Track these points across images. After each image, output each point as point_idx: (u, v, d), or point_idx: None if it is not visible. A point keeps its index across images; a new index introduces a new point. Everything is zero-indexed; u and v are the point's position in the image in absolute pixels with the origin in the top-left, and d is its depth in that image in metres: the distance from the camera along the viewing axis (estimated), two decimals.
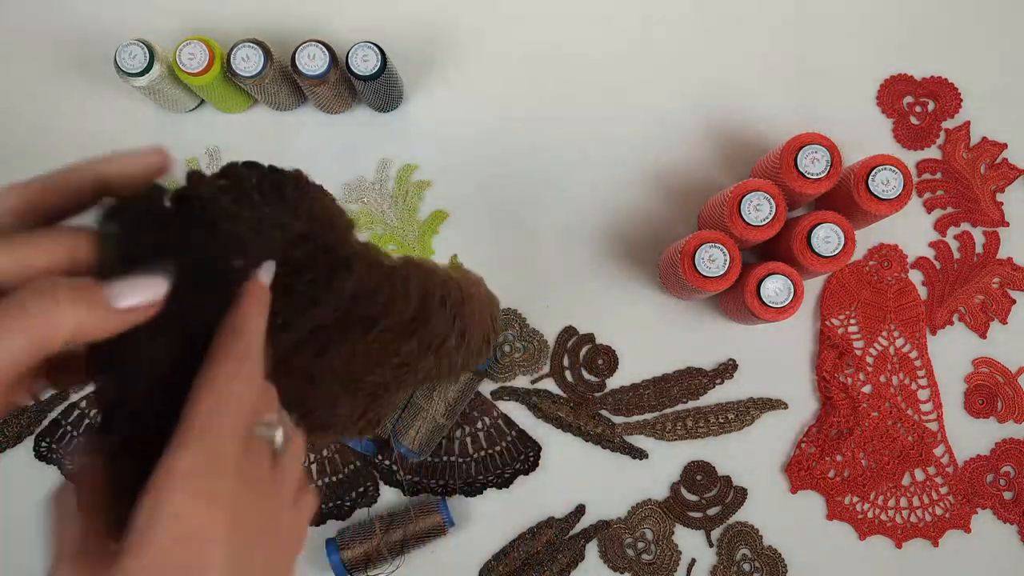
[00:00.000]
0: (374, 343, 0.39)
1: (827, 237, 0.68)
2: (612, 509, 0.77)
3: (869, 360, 0.78)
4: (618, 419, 0.78)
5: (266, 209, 0.32)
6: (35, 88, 0.82)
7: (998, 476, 0.77)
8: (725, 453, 0.77)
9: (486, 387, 0.78)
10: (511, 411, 0.78)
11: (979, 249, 0.80)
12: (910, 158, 0.80)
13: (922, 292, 0.79)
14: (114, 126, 0.81)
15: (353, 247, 0.37)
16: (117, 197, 0.31)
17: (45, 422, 0.78)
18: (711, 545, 0.77)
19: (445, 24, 0.82)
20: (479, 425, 0.78)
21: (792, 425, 0.78)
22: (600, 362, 0.78)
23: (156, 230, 0.30)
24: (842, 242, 0.68)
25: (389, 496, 0.78)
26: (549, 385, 0.78)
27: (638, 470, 0.77)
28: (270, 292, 0.32)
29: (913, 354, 0.78)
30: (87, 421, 0.78)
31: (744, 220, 0.68)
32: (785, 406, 0.78)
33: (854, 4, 0.82)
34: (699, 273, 0.68)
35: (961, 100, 0.81)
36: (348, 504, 0.77)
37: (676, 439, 0.78)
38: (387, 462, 0.77)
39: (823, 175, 0.68)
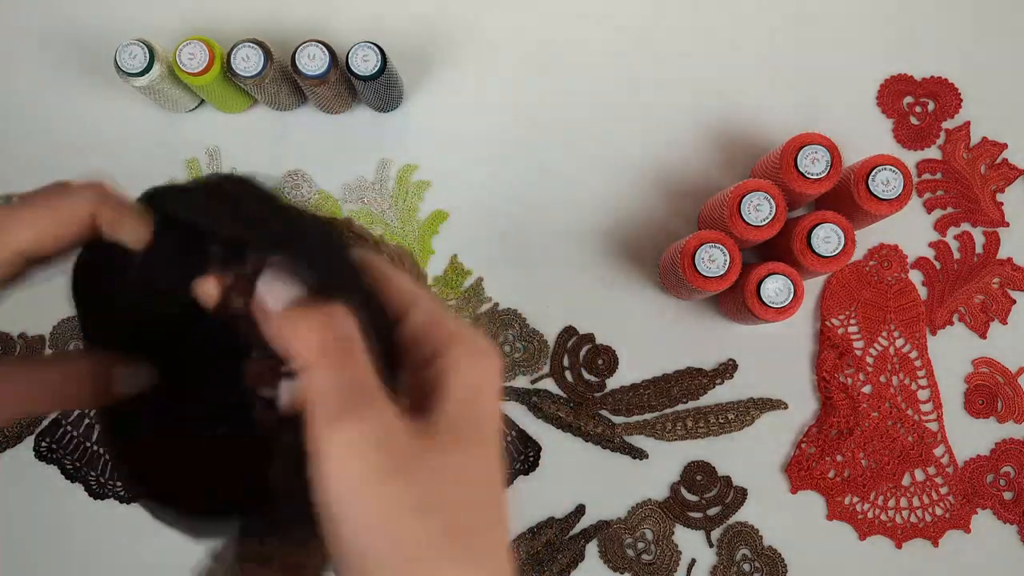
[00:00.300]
0: None
1: (827, 237, 0.68)
2: (612, 509, 0.77)
3: (869, 360, 0.78)
4: (618, 419, 0.78)
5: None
6: (35, 88, 0.82)
7: (998, 476, 0.77)
8: (725, 453, 0.77)
9: None
10: (511, 411, 0.78)
11: (979, 249, 0.80)
12: (910, 158, 0.80)
13: (922, 292, 0.79)
14: (114, 126, 0.81)
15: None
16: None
17: (45, 422, 0.78)
18: (711, 545, 0.77)
19: (445, 24, 0.82)
20: None
21: (792, 425, 0.78)
22: (600, 362, 0.78)
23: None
24: (842, 242, 0.68)
25: None
26: (549, 385, 0.78)
27: (638, 470, 0.77)
28: None
29: (913, 354, 0.78)
30: (87, 421, 0.78)
31: (744, 220, 0.68)
32: (785, 406, 0.78)
33: (854, 4, 0.82)
34: (699, 273, 0.68)
35: (961, 100, 0.81)
36: None
37: (676, 439, 0.78)
38: None
39: (823, 175, 0.68)
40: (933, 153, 0.81)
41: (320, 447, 0.26)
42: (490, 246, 0.80)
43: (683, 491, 0.77)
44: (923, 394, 0.78)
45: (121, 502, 0.77)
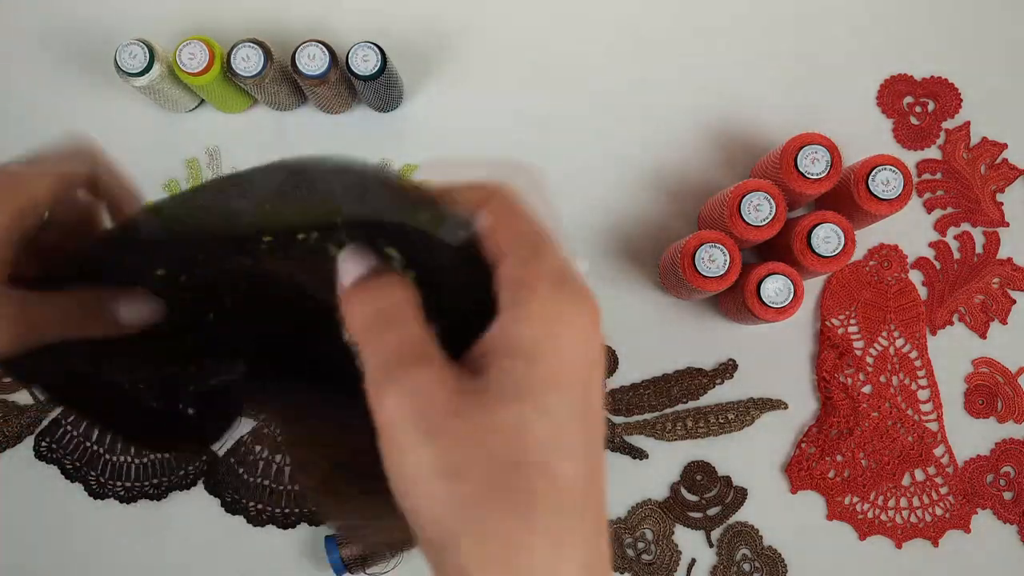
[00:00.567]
0: None
1: (827, 237, 0.68)
2: (612, 509, 0.77)
3: (869, 360, 0.78)
4: (618, 419, 0.78)
5: None
6: (35, 88, 0.82)
7: (998, 476, 0.77)
8: (725, 453, 0.77)
9: None
10: None
11: (979, 249, 0.79)
12: (910, 158, 0.80)
13: (922, 292, 0.79)
14: (114, 126, 0.81)
15: None
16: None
17: (45, 422, 0.78)
18: (711, 545, 0.77)
19: (445, 24, 0.82)
20: None
21: (792, 425, 0.78)
22: None
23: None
24: (842, 242, 0.68)
25: None
26: None
27: (638, 470, 0.77)
28: None
29: (913, 354, 0.78)
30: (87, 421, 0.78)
31: (744, 220, 0.68)
32: (785, 406, 0.78)
33: (854, 4, 0.82)
34: (699, 273, 0.68)
35: (961, 100, 0.81)
36: None
37: (676, 439, 0.78)
38: None
39: (823, 175, 0.68)
40: (933, 153, 0.81)
41: (374, 415, 0.27)
42: None
43: (683, 491, 0.77)
44: (923, 394, 0.78)
45: (121, 502, 0.77)
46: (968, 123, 0.81)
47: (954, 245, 0.80)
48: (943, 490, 0.77)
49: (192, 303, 0.33)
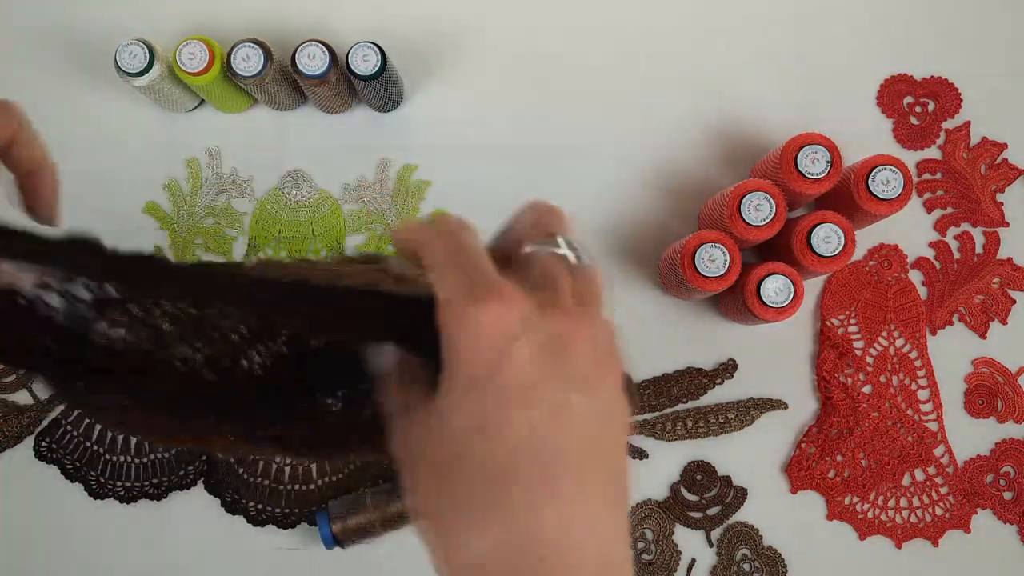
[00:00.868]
0: None
1: (827, 237, 0.68)
2: None
3: (869, 360, 0.78)
4: None
5: None
6: (35, 88, 0.82)
7: (998, 476, 0.77)
8: (725, 453, 0.77)
9: None
10: None
11: (979, 249, 0.79)
12: (910, 158, 0.80)
13: (922, 292, 0.79)
14: (114, 126, 0.81)
15: None
16: None
17: (45, 422, 0.78)
18: (711, 545, 0.77)
19: (445, 24, 0.82)
20: None
21: (792, 425, 0.78)
22: None
23: None
24: (842, 242, 0.68)
25: None
26: None
27: (638, 470, 0.77)
28: None
29: (913, 354, 0.78)
30: (87, 421, 0.78)
31: (744, 220, 0.68)
32: (785, 406, 0.78)
33: (854, 4, 0.82)
34: (699, 273, 0.68)
35: (961, 100, 0.81)
36: None
37: (676, 439, 0.78)
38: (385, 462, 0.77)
39: (823, 175, 0.68)
40: (933, 153, 0.81)
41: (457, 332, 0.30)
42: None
43: (683, 491, 0.77)
44: (923, 394, 0.78)
45: (121, 502, 0.77)
46: (968, 123, 0.81)
47: (954, 245, 0.80)
48: (943, 490, 0.77)
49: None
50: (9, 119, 0.37)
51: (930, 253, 0.80)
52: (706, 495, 0.77)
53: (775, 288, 0.68)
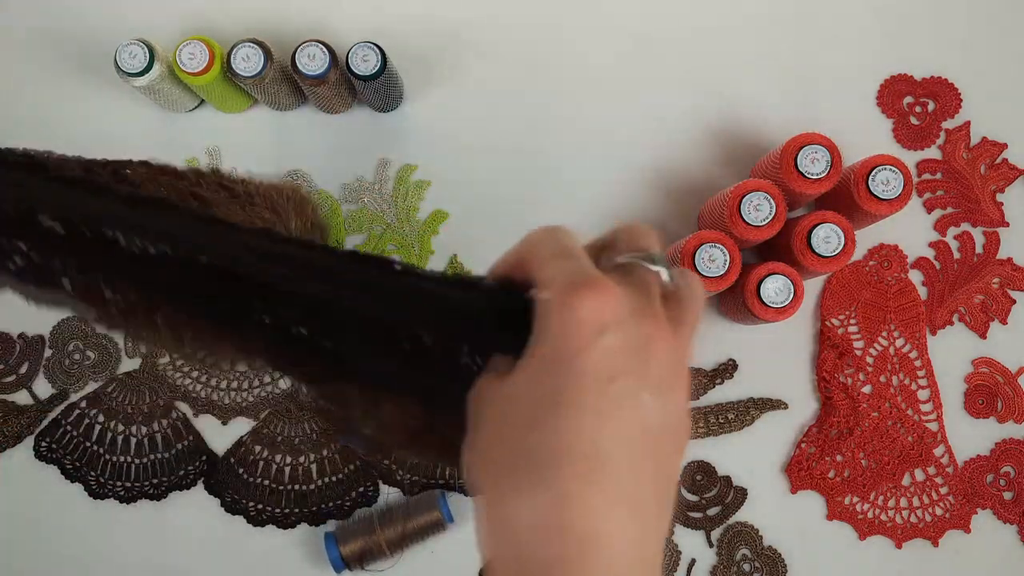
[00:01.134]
0: None
1: (827, 237, 0.68)
2: None
3: (869, 360, 0.78)
4: None
5: None
6: (35, 88, 0.82)
7: (998, 476, 0.77)
8: (725, 453, 0.77)
9: None
10: None
11: (979, 249, 0.79)
12: (910, 158, 0.80)
13: (922, 292, 0.79)
14: (114, 126, 0.81)
15: None
16: None
17: (45, 422, 0.78)
18: (711, 545, 0.77)
19: (445, 24, 0.82)
20: None
21: (792, 425, 0.78)
22: None
23: None
24: (842, 242, 0.68)
25: (390, 496, 0.78)
26: None
27: None
28: None
29: (913, 354, 0.78)
30: (87, 421, 0.78)
31: (744, 220, 0.68)
32: (785, 406, 0.78)
33: (854, 4, 0.82)
34: (699, 273, 0.68)
35: (961, 100, 0.81)
36: (348, 504, 0.77)
37: None
38: (386, 461, 0.77)
39: (823, 175, 0.68)
40: (933, 153, 0.81)
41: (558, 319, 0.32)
42: (490, 246, 0.79)
43: (683, 491, 0.77)
44: (923, 394, 0.78)
45: (121, 502, 0.77)
46: (968, 123, 0.81)
47: (954, 245, 0.80)
48: (943, 490, 0.77)
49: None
50: None
51: (930, 253, 0.80)
52: (706, 495, 0.77)
53: (775, 288, 0.68)
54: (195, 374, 0.79)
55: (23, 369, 0.79)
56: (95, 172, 0.42)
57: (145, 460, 0.78)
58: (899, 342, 0.79)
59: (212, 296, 0.36)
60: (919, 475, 0.77)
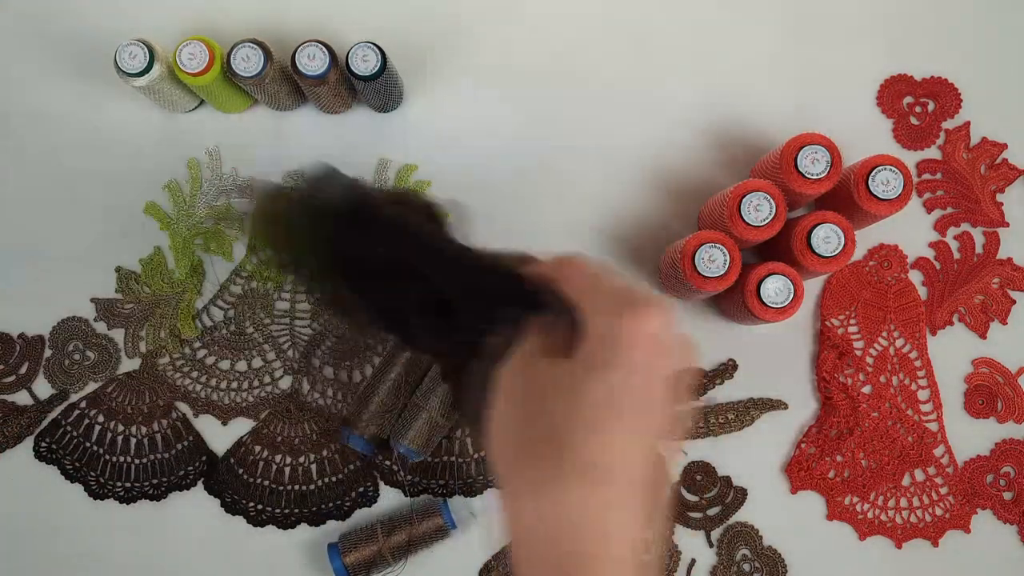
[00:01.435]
0: None
1: (827, 237, 0.68)
2: None
3: (869, 360, 0.78)
4: None
5: None
6: (35, 88, 0.82)
7: (998, 476, 0.77)
8: (725, 453, 0.77)
9: None
10: None
11: (979, 249, 0.80)
12: (910, 158, 0.80)
13: (922, 292, 0.79)
14: (114, 126, 0.81)
15: None
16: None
17: (45, 422, 0.78)
18: (711, 545, 0.77)
19: (445, 24, 0.82)
20: None
21: (792, 425, 0.78)
22: None
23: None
24: (842, 242, 0.68)
25: (390, 496, 0.78)
26: None
27: None
28: None
29: (913, 354, 0.78)
30: (87, 421, 0.78)
31: (744, 220, 0.68)
32: (785, 406, 0.78)
33: (854, 4, 0.82)
34: (699, 273, 0.68)
35: (961, 100, 0.81)
36: (348, 504, 0.77)
37: (676, 439, 0.77)
38: (387, 462, 0.77)
39: (823, 175, 0.68)
40: (933, 153, 0.81)
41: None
42: (488, 246, 0.79)
43: (683, 491, 0.77)
44: (923, 394, 0.78)
45: (121, 502, 0.77)
46: (968, 123, 0.81)
47: (954, 245, 0.80)
48: (943, 490, 0.77)
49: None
50: None
51: (930, 253, 0.80)
52: (706, 495, 0.77)
53: (775, 288, 0.68)
54: (195, 374, 0.79)
55: (23, 369, 0.79)
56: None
57: (145, 460, 0.78)
58: (899, 342, 0.79)
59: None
60: (919, 475, 0.77)
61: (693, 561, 0.77)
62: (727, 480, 0.77)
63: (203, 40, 0.73)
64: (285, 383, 0.78)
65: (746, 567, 0.77)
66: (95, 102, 0.81)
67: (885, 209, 0.69)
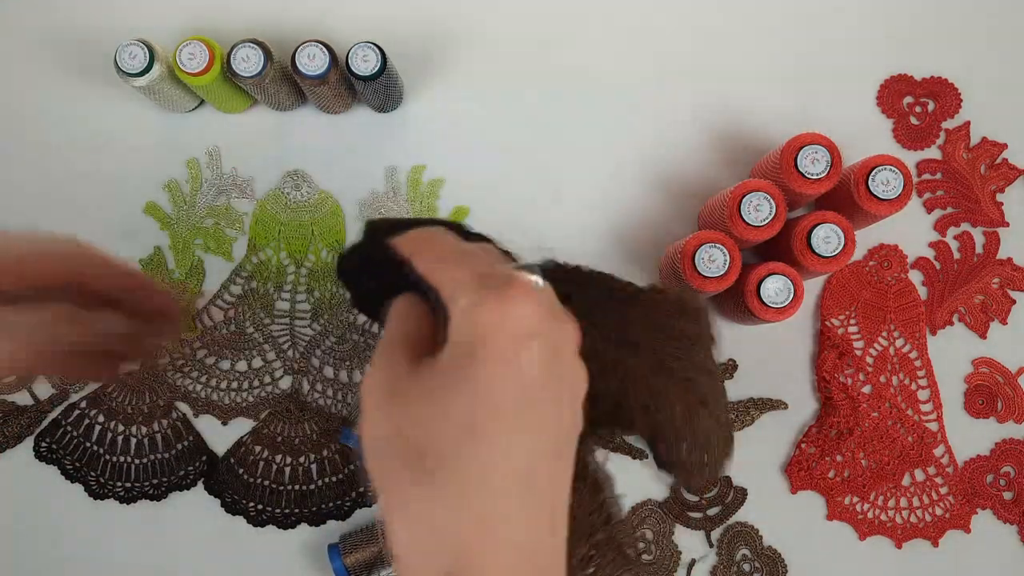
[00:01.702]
0: None
1: (827, 237, 0.68)
2: None
3: (869, 360, 0.78)
4: None
5: None
6: (35, 88, 0.82)
7: (998, 476, 0.77)
8: None
9: None
10: None
11: (979, 249, 0.80)
12: (910, 158, 0.80)
13: (922, 292, 0.79)
14: (114, 126, 0.81)
15: None
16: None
17: (45, 422, 0.78)
18: (711, 545, 0.77)
19: (445, 24, 0.82)
20: None
21: (792, 425, 0.78)
22: None
23: None
24: (842, 242, 0.68)
25: None
26: None
27: (638, 470, 0.77)
28: None
29: (913, 354, 0.78)
30: (87, 421, 0.78)
31: (744, 220, 0.68)
32: (785, 406, 0.78)
33: (854, 4, 0.82)
34: (699, 273, 0.68)
35: (961, 100, 0.81)
36: (348, 504, 0.77)
37: None
38: None
39: (823, 175, 0.68)
40: (933, 153, 0.81)
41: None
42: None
43: (683, 491, 0.77)
44: (923, 394, 0.78)
45: (121, 502, 0.77)
46: (968, 123, 0.81)
47: (954, 245, 0.80)
48: (943, 490, 0.77)
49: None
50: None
51: (930, 253, 0.80)
52: (706, 495, 0.77)
53: (775, 288, 0.68)
54: (195, 374, 0.79)
55: None
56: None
57: (145, 460, 0.78)
58: (899, 342, 0.79)
59: None
60: (919, 475, 0.77)
61: (693, 561, 0.77)
62: (727, 480, 0.77)
63: (203, 40, 0.73)
64: (285, 383, 0.79)
65: (746, 567, 0.77)
66: (95, 102, 0.81)
67: (885, 209, 0.69)
